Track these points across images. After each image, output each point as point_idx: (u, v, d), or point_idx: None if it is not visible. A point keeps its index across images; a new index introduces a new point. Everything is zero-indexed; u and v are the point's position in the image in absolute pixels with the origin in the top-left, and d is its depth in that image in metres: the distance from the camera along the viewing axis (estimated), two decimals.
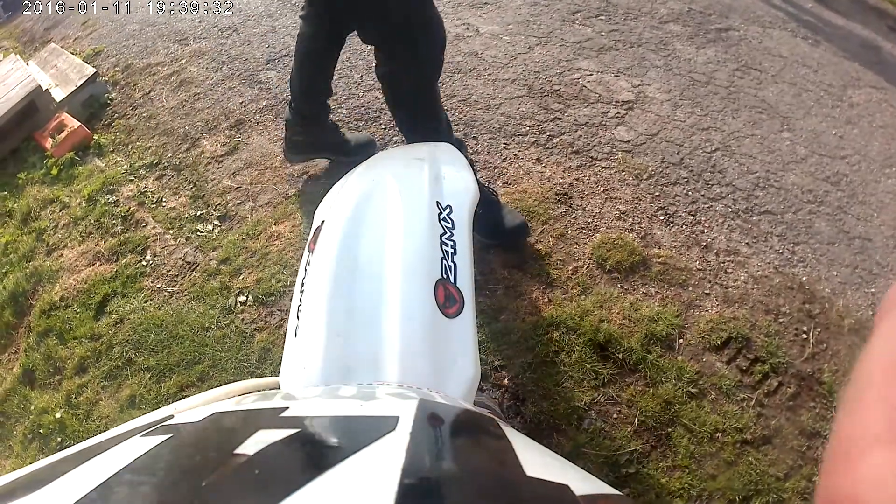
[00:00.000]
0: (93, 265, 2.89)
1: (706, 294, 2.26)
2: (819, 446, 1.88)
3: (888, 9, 4.22)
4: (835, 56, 3.64)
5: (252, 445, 0.45)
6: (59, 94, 4.14)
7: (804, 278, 2.34)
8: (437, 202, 0.96)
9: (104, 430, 0.69)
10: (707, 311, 2.20)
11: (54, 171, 3.58)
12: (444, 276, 0.88)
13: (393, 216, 0.94)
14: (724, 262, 2.36)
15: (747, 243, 2.44)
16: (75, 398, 2.37)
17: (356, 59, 3.71)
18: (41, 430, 2.33)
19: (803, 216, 2.56)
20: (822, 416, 1.95)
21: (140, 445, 0.50)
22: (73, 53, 4.63)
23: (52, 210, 3.37)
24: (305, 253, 0.97)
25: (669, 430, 1.89)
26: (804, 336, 2.16)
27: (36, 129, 3.99)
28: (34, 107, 4.10)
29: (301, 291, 0.92)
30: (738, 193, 2.63)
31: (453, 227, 0.94)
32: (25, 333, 2.78)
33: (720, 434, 1.87)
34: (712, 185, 2.66)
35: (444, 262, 0.89)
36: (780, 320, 2.20)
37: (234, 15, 4.54)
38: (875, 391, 0.26)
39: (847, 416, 0.27)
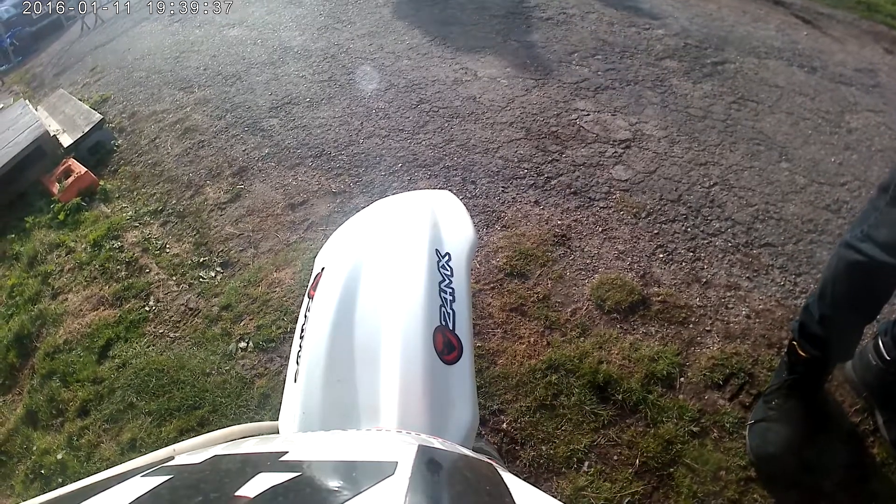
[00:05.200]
0: (97, 310, 2.91)
1: (707, 331, 2.24)
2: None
3: (883, 31, 4.25)
4: (831, 82, 3.66)
5: (253, 488, 0.46)
6: (66, 140, 4.22)
7: None
8: (437, 250, 0.97)
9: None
10: (708, 348, 2.18)
11: (61, 216, 3.64)
12: (443, 323, 0.88)
13: (392, 263, 0.95)
14: (724, 298, 2.35)
15: (748, 277, 2.42)
16: (77, 440, 2.38)
17: (356, 105, 3.78)
18: (42, 471, 2.34)
19: (804, 246, 2.54)
20: (829, 450, 1.92)
21: (140, 486, 0.50)
22: (80, 99, 4.73)
23: (57, 254, 3.42)
24: (305, 299, 0.98)
25: (671, 470, 1.86)
26: None
27: (43, 174, 4.07)
28: (42, 151, 4.18)
29: (301, 337, 0.93)
30: (738, 227, 2.63)
31: (452, 275, 0.95)
32: (29, 375, 2.80)
33: (724, 472, 1.84)
34: (711, 220, 2.66)
35: (443, 309, 0.90)
36: (783, 354, 2.17)
37: (237, 63, 4.64)
38: None
39: None
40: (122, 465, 0.71)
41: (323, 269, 1.00)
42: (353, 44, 4.55)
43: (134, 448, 2.25)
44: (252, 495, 0.45)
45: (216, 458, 0.60)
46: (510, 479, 0.57)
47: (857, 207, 2.72)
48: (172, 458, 0.69)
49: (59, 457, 2.33)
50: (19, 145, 4.10)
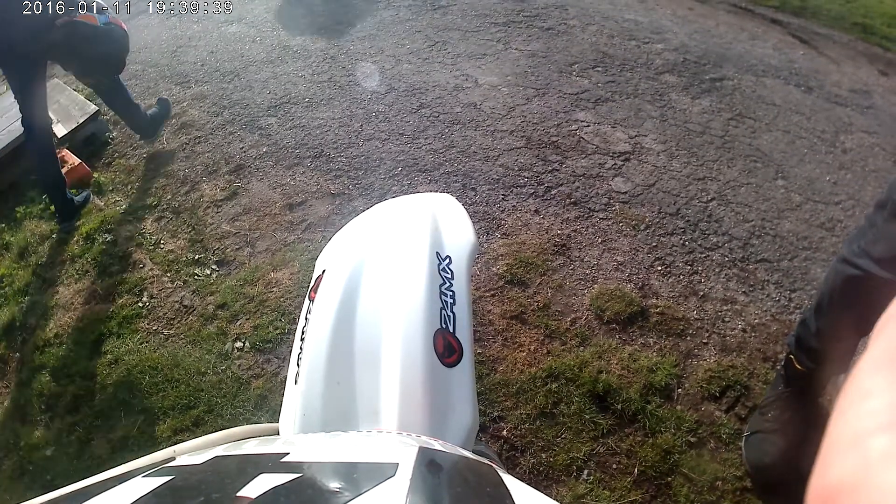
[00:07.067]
0: (88, 304, 2.88)
1: (704, 343, 2.27)
2: None
3: (878, 53, 4.29)
4: (827, 102, 3.69)
5: (254, 489, 0.46)
6: (60, 130, 4.16)
7: None
8: (437, 253, 0.97)
9: (95, 471, 0.69)
10: (705, 360, 2.21)
11: (53, 207, 3.59)
12: (444, 325, 0.88)
13: (393, 266, 0.95)
14: (721, 311, 2.38)
15: (744, 292, 2.45)
16: (66, 436, 2.35)
17: (356, 108, 3.77)
18: (30, 467, 2.30)
19: (799, 263, 2.57)
20: None
21: (142, 486, 0.50)
22: (75, 90, 4.67)
23: (49, 246, 3.37)
24: (306, 301, 0.98)
25: (669, 479, 1.88)
26: None
27: None
28: None
29: (301, 339, 0.92)
30: (735, 242, 2.65)
31: (452, 278, 0.95)
32: (18, 368, 2.75)
33: (720, 482, 1.86)
34: (709, 234, 2.69)
35: (444, 312, 0.90)
36: (778, 367, 2.19)
37: (235, 60, 4.62)
38: (881, 379, 0.25)
39: (848, 407, 0.26)
40: (123, 465, 0.70)
41: (324, 271, 1.00)
42: (353, 46, 4.54)
43: (126, 447, 2.23)
44: (253, 496, 0.45)
45: (217, 459, 0.60)
46: (510, 481, 0.57)
47: (851, 226, 2.76)
48: (173, 458, 0.68)
49: (48, 453, 2.30)
50: (12, 134, 4.04)
